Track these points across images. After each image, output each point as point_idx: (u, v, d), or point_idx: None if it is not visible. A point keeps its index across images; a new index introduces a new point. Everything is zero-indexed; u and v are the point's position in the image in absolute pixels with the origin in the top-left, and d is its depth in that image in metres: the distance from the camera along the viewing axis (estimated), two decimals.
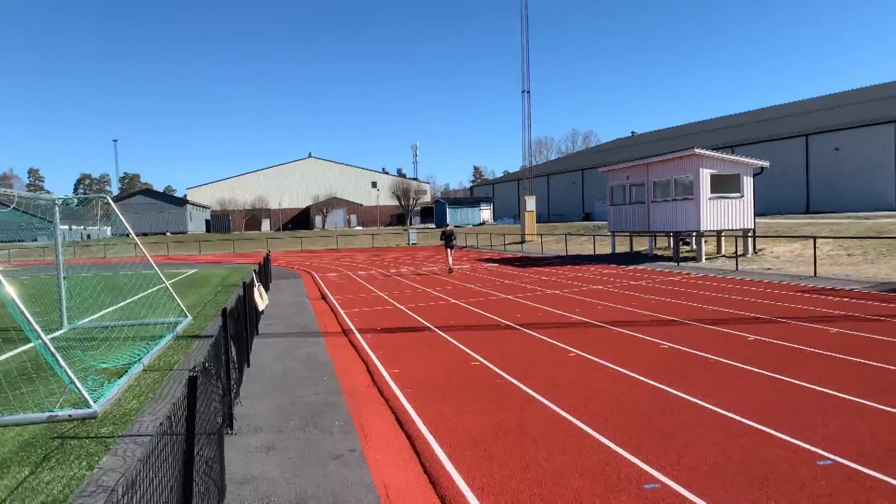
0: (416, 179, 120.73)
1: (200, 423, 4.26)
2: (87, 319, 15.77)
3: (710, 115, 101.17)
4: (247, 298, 10.54)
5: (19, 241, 66.57)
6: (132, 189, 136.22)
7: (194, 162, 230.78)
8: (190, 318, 15.52)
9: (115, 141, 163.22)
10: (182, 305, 15.92)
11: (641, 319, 13.13)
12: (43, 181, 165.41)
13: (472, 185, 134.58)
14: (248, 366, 10.24)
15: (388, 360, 10.26)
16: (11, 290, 8.23)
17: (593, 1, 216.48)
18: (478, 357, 10.18)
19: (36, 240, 69.21)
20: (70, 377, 7.93)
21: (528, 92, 50.85)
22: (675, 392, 7.74)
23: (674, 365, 9.12)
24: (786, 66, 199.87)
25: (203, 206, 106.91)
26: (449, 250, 27.23)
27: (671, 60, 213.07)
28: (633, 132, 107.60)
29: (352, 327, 13.76)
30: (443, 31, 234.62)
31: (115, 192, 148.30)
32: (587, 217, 74.11)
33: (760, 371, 8.56)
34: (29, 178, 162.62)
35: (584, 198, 78.83)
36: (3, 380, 9.53)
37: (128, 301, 19.32)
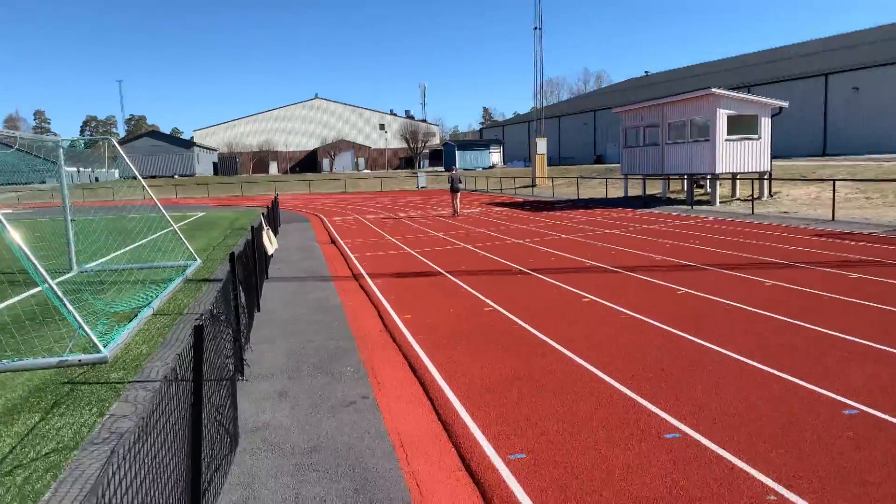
0: (424, 121, 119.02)
1: (211, 370, 4.14)
2: (96, 263, 15.74)
3: (726, 55, 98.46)
4: (255, 242, 10.37)
5: (27, 183, 66.56)
6: (138, 131, 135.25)
7: (200, 103, 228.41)
8: (199, 261, 15.45)
9: (119, 82, 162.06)
10: (191, 248, 15.83)
11: (656, 264, 12.92)
12: (49, 123, 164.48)
13: (481, 127, 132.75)
14: (258, 310, 10.16)
15: (399, 306, 10.14)
16: (16, 235, 8.07)
17: None
18: (490, 303, 10.04)
19: (45, 182, 69.15)
20: (79, 322, 7.85)
21: (541, 29, 49.38)
22: (691, 338, 7.58)
23: (690, 311, 8.94)
24: (803, 3, 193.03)
25: (210, 149, 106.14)
26: (455, 194, 27.49)
27: None
28: (646, 72, 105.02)
29: (362, 272, 13.63)
30: None
31: (122, 134, 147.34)
32: (599, 160, 73.09)
33: (779, 317, 8.37)
34: (35, 120, 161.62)
35: (595, 140, 77.58)
36: (11, 324, 9.49)
37: (137, 244, 19.26)
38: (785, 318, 8.30)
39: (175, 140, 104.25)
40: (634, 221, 21.49)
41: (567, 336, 7.93)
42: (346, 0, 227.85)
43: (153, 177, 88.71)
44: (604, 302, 9.70)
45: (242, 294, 7.59)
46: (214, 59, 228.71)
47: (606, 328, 8.23)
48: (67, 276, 14.10)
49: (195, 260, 15.42)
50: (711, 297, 9.68)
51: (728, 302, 9.35)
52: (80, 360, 7.68)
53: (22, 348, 8.27)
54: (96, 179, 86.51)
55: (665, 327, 8.13)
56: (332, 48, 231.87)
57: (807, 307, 8.85)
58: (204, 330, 3.52)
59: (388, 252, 16.67)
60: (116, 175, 79.25)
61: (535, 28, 49.64)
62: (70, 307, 7.84)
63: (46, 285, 8.04)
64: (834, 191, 20.09)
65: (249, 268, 9.33)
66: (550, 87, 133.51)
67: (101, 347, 7.82)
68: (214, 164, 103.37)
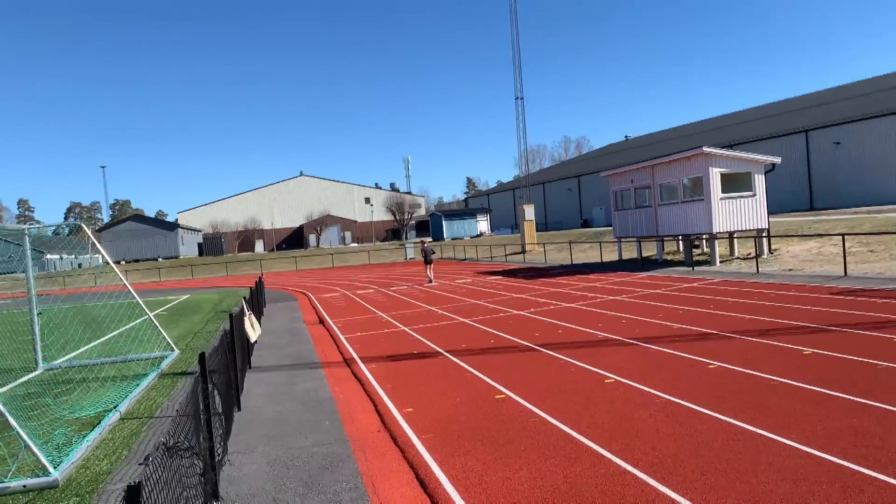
0: (409, 193, 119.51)
1: None
2: (64, 358, 14.45)
3: (704, 117, 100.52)
4: (234, 332, 9.28)
5: (9, 272, 64.96)
6: (123, 216, 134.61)
7: (185, 185, 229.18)
8: (177, 351, 14.25)
9: (103, 168, 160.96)
10: (168, 338, 14.63)
11: (674, 333, 11.90)
12: (33, 211, 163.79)
13: (466, 196, 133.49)
14: (238, 409, 8.96)
15: (398, 397, 8.99)
16: None
17: (581, 6, 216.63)
18: (501, 388, 8.91)
19: (24, 271, 67.28)
20: (24, 439, 6.66)
21: (522, 99, 49.89)
22: (750, 428, 6.45)
23: (731, 390, 7.87)
24: (781, 64, 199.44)
25: (195, 230, 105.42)
26: (429, 265, 30.06)
27: (662, 62, 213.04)
28: (626, 136, 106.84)
29: (354, 356, 12.48)
30: (430, 42, 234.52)
31: (106, 219, 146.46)
32: (586, 224, 72.98)
33: (840, 395, 7.29)
34: (18, 208, 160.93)
35: (581, 204, 77.73)
36: None
37: (111, 335, 17.99)
38: (849, 396, 7.20)
39: (159, 223, 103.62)
40: (636, 286, 20.57)
41: (598, 430, 6.80)
42: (330, 78, 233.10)
43: (136, 260, 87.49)
44: (630, 383, 8.61)
45: (218, 399, 6.46)
46: (197, 141, 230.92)
47: (643, 417, 7.11)
48: (31, 375, 12.86)
49: (173, 350, 14.22)
50: (749, 372, 8.62)
51: (769, 377, 8.29)
52: (24, 486, 6.44)
53: None
54: (80, 266, 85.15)
55: (709, 413, 7.03)
56: (315, 125, 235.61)
57: (866, 380, 7.80)
58: (142, 489, 2.44)
59: (381, 331, 15.54)
60: (100, 261, 78.02)
61: (517, 98, 50.16)
62: (13, 422, 6.66)
63: None
64: (844, 245, 19.36)
65: (228, 362, 8.22)
66: (532, 155, 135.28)
67: (51, 469, 6.60)
68: (199, 244, 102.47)
